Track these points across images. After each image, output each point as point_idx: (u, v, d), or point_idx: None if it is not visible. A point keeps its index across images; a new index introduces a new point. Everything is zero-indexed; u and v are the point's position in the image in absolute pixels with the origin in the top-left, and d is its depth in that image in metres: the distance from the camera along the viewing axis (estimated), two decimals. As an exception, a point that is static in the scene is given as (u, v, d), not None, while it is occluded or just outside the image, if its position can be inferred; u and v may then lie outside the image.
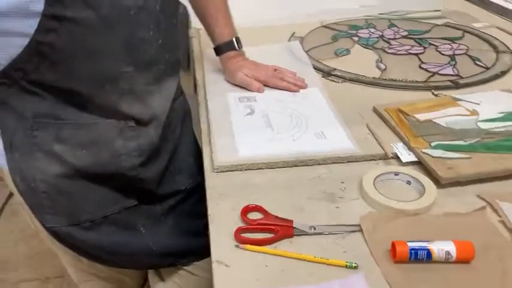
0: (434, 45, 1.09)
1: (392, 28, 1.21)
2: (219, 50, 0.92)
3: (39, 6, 0.55)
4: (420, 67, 0.98)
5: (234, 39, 0.91)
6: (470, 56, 1.03)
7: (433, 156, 0.66)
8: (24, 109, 0.63)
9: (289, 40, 1.14)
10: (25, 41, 0.57)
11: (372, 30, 1.20)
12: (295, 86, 0.89)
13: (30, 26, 0.56)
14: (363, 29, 1.21)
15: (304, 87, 0.90)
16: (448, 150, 0.67)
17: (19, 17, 0.56)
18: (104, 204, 0.74)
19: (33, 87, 0.62)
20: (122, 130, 0.69)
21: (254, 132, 0.74)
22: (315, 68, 0.98)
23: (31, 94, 0.62)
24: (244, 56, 0.94)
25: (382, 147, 0.70)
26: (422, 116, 0.76)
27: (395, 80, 0.91)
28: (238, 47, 0.92)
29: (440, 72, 0.96)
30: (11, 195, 1.90)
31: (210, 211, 0.60)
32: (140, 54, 0.66)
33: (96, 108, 0.66)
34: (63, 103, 0.64)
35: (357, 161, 0.69)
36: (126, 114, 0.69)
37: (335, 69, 0.97)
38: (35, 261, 1.72)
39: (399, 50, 1.07)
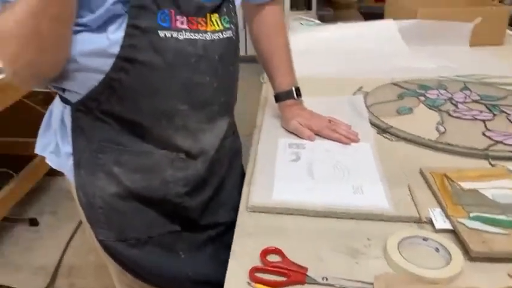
0: (506, 113, 1.05)
1: (464, 91, 1.19)
2: (278, 98, 0.98)
3: (115, 49, 0.66)
4: (483, 134, 0.95)
5: (293, 89, 0.97)
6: (543, 128, 0.97)
7: (468, 227, 0.64)
8: (94, 134, 0.74)
9: (354, 93, 1.17)
10: (101, 77, 0.68)
11: (442, 91, 1.18)
12: (347, 138, 0.91)
13: (107, 65, 0.67)
14: (432, 89, 1.20)
15: (356, 141, 0.91)
16: (487, 224, 0.65)
17: (99, 57, 0.66)
18: (150, 226, 0.81)
19: (103, 116, 0.72)
20: (173, 161, 0.77)
21: (293, 179, 0.78)
22: (372, 123, 0.99)
23: (101, 121, 0.73)
24: (302, 105, 0.98)
25: (417, 210, 0.70)
26: (467, 185, 0.74)
27: (451, 145, 0.90)
28: (297, 96, 0.97)
29: (506, 141, 0.92)
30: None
31: (233, 247, 0.64)
32: (196, 96, 0.74)
33: (153, 139, 0.75)
34: (126, 132, 0.74)
35: (389, 221, 0.69)
36: (179, 147, 0.76)
37: (391, 127, 0.97)
38: (101, 272, 1.85)
39: (465, 115, 1.04)
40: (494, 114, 1.04)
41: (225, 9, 0.76)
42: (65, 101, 0.74)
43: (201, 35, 0.71)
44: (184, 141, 0.76)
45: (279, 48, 0.97)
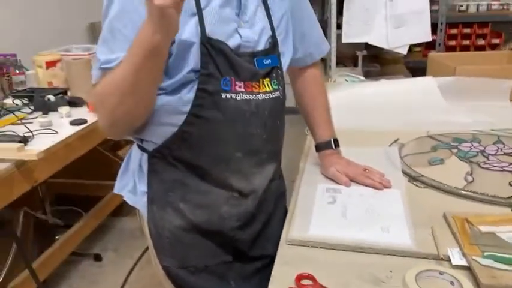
0: (536, 165, 1.12)
1: (497, 144, 1.27)
2: (318, 148, 1.12)
3: (187, 108, 0.84)
4: (510, 184, 1.03)
5: (331, 140, 1.10)
6: None
7: (481, 264, 0.73)
8: (166, 176, 0.91)
9: (390, 145, 1.29)
10: (174, 129, 0.85)
11: (476, 144, 1.27)
12: (380, 184, 1.02)
13: (179, 120, 0.84)
14: (466, 142, 1.29)
15: (389, 187, 1.03)
16: (499, 262, 0.74)
17: (173, 114, 0.85)
18: (207, 255, 0.95)
19: (174, 161, 0.89)
20: (228, 199, 0.92)
21: (328, 218, 0.90)
22: (403, 172, 1.10)
23: (172, 165, 0.90)
24: (340, 154, 1.11)
25: (437, 248, 0.79)
26: (486, 228, 0.83)
27: (476, 192, 0.99)
28: (335, 146, 1.10)
29: (531, 191, 1.00)
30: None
31: (273, 273, 0.77)
32: (248, 145, 0.90)
33: (212, 180, 0.91)
34: (191, 174, 0.90)
35: (411, 256, 0.79)
36: (233, 187, 0.92)
37: (422, 175, 1.08)
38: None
39: (494, 166, 1.13)
40: (523, 167, 1.12)
41: (274, 74, 0.93)
42: (142, 149, 0.93)
43: (254, 95, 0.88)
44: (238, 182, 0.92)
45: (319, 105, 1.12)
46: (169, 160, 0.89)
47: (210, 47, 0.82)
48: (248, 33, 0.88)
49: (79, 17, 3.01)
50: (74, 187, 2.55)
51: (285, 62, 0.98)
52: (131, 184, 0.97)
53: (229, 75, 0.85)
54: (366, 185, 1.03)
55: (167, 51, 0.76)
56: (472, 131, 1.38)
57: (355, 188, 1.03)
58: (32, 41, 2.47)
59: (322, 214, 0.92)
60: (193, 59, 0.82)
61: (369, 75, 2.73)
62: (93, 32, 3.11)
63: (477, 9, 3.81)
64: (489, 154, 1.20)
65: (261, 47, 0.90)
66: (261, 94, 0.89)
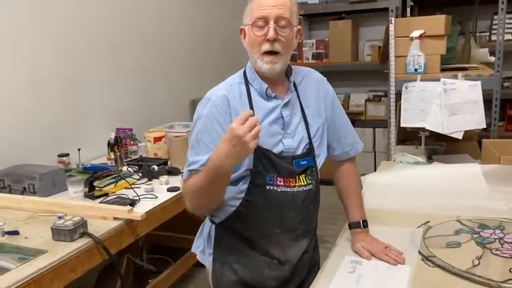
0: (544, 255, 1.28)
1: (517, 233, 1.43)
2: (350, 226, 1.40)
3: (242, 195, 1.20)
4: (510, 270, 1.21)
5: (361, 221, 1.38)
6: None
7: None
8: (226, 242, 1.26)
9: (418, 226, 1.51)
10: (233, 209, 1.22)
11: (498, 231, 1.44)
12: (394, 261, 1.27)
13: (237, 203, 1.21)
14: (489, 229, 1.47)
15: (402, 263, 1.26)
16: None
17: (233, 200, 1.21)
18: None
19: (232, 232, 1.25)
20: (269, 264, 1.24)
21: (345, 284, 1.17)
22: (419, 252, 1.33)
23: (231, 235, 1.25)
24: (367, 232, 1.38)
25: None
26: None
27: (474, 275, 1.18)
28: (363, 226, 1.37)
29: (528, 278, 1.17)
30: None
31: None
32: (286, 224, 1.23)
33: (258, 249, 1.24)
34: (243, 242, 1.24)
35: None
36: (273, 256, 1.24)
37: (434, 256, 1.30)
38: None
39: (505, 253, 1.30)
40: (530, 255, 1.28)
41: (309, 172, 1.26)
42: (212, 221, 1.30)
43: (291, 188, 1.22)
44: (277, 252, 1.24)
45: (351, 193, 1.41)
46: (229, 231, 1.25)
47: (260, 154, 1.19)
48: (290, 142, 1.23)
49: (183, 94, 3.62)
50: (167, 239, 3.00)
51: (320, 161, 1.31)
52: (202, 246, 1.34)
53: (273, 173, 1.20)
54: (383, 260, 1.28)
55: (232, 169, 1.10)
56: (501, 218, 1.54)
57: (374, 262, 1.28)
58: (145, 117, 3.08)
59: (341, 280, 1.19)
60: (248, 161, 1.19)
61: (434, 153, 2.88)
62: (193, 106, 3.70)
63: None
64: (505, 242, 1.37)
65: (299, 152, 1.25)
66: (296, 187, 1.22)
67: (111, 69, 2.89)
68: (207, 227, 1.33)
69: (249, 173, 1.19)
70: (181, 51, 3.59)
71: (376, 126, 4.43)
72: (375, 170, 4.05)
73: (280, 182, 1.21)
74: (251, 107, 1.20)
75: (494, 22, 3.96)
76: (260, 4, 1.19)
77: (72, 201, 1.89)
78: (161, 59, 3.35)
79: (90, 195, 2.00)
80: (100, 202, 1.91)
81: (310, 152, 1.27)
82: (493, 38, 3.92)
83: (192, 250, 1.37)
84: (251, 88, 1.24)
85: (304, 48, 4.57)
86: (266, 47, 1.19)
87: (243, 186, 1.20)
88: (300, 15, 4.45)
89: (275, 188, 1.20)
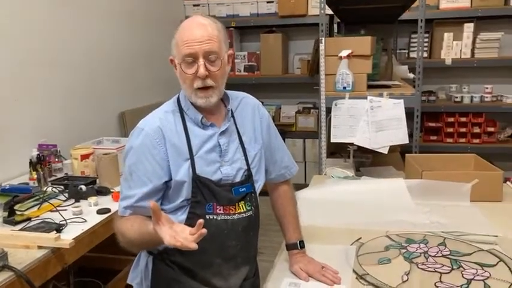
0: (463, 268, 1.38)
1: (440, 246, 1.53)
2: (287, 247, 1.42)
3: (180, 224, 1.17)
4: (435, 285, 1.29)
5: (298, 242, 1.40)
6: (484, 284, 1.29)
7: None
8: (165, 274, 1.22)
9: (352, 244, 1.57)
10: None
11: (422, 245, 1.54)
12: (331, 282, 1.30)
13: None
14: (415, 243, 1.56)
15: (338, 283, 1.30)
16: None
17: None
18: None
19: (171, 263, 1.22)
20: (211, 293, 1.23)
21: (284, 309, 1.19)
22: (353, 270, 1.38)
23: (169, 266, 1.22)
24: (304, 253, 1.41)
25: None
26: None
27: (404, 292, 1.26)
28: (301, 247, 1.40)
29: (449, 293, 1.25)
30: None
31: None
32: (226, 253, 1.22)
33: (199, 279, 1.22)
34: (183, 273, 1.22)
35: None
36: (215, 286, 1.23)
37: (368, 274, 1.35)
38: None
39: (429, 267, 1.39)
40: (452, 269, 1.38)
41: (248, 198, 1.26)
42: (149, 252, 1.25)
43: (230, 216, 1.21)
44: (218, 281, 1.23)
45: (289, 213, 1.44)
46: (167, 262, 1.21)
47: (199, 182, 1.17)
48: (228, 170, 1.23)
49: (110, 108, 3.48)
50: (96, 260, 2.85)
51: (258, 186, 1.32)
52: (138, 278, 1.29)
53: (212, 201, 1.19)
54: (321, 281, 1.31)
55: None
56: (425, 232, 1.65)
57: (312, 283, 1.31)
58: (70, 132, 2.92)
59: (280, 304, 1.21)
60: (186, 191, 1.17)
61: (361, 165, 3.04)
62: (122, 120, 3.57)
63: (471, 100, 4.15)
64: (429, 255, 1.47)
65: (238, 179, 1.25)
66: (236, 215, 1.22)
67: (36, 84, 2.71)
68: (143, 259, 1.28)
69: (187, 203, 1.17)
70: (110, 64, 3.46)
71: (306, 137, 4.57)
72: (305, 179, 4.25)
73: (219, 210, 1.19)
74: (187, 137, 1.18)
75: (412, 40, 4.25)
76: (186, 40, 1.14)
77: (-11, 229, 1.74)
78: (88, 73, 3.20)
79: (10, 221, 1.84)
80: (22, 228, 1.77)
81: (248, 178, 1.27)
82: (412, 55, 4.20)
83: (128, 282, 1.32)
84: (186, 116, 1.22)
85: (236, 60, 4.60)
86: (198, 83, 1.16)
87: (182, 216, 1.17)
88: (232, 27, 4.48)
89: (215, 217, 1.19)
